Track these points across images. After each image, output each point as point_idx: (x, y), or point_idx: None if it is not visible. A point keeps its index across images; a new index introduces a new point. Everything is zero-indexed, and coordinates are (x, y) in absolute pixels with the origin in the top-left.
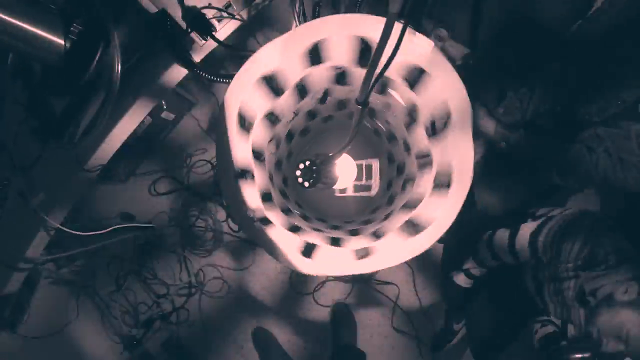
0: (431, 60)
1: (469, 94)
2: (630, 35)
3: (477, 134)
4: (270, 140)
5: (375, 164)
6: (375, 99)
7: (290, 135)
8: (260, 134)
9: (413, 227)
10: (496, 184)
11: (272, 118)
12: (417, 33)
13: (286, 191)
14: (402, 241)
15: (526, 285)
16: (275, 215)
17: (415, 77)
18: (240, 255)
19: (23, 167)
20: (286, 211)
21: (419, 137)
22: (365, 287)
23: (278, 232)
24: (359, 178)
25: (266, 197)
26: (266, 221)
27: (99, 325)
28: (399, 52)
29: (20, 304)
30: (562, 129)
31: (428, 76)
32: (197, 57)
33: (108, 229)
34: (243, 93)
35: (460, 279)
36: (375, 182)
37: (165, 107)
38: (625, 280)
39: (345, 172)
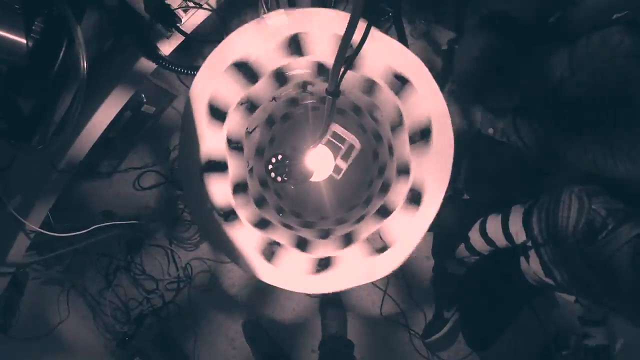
0: (415, 70)
1: (457, 80)
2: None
3: (465, 119)
4: (254, 128)
5: (335, 127)
6: (360, 97)
7: (270, 121)
8: (235, 121)
9: (379, 242)
10: (483, 171)
11: (248, 105)
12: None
13: (267, 180)
14: (364, 258)
15: (521, 271)
16: (243, 208)
17: (398, 86)
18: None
19: None
20: (260, 202)
21: (403, 143)
22: None
23: (241, 230)
24: (337, 150)
25: (240, 188)
26: (231, 216)
27: (91, 323)
28: (382, 56)
29: (10, 305)
30: (550, 111)
31: (411, 86)
32: (167, 50)
33: (88, 229)
34: (213, 81)
35: (453, 267)
36: (350, 137)
37: (144, 100)
38: (632, 238)
39: (321, 164)
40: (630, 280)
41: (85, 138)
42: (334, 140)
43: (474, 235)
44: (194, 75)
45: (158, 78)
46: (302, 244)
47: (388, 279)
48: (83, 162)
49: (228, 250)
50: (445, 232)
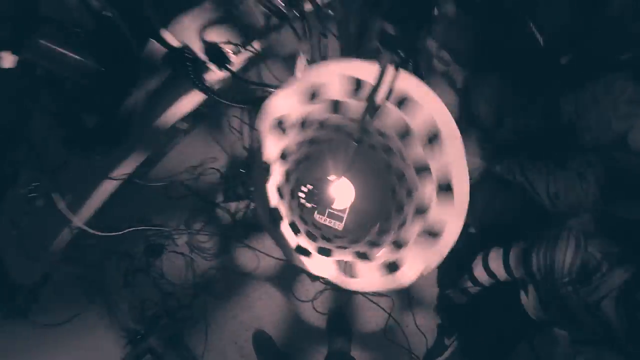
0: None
1: (468, 118)
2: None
3: (474, 157)
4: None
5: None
6: (395, 140)
7: (298, 162)
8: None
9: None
10: (491, 205)
11: (283, 155)
12: None
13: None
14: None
15: (521, 304)
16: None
17: (401, 102)
18: (245, 260)
19: (52, 170)
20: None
21: (415, 149)
22: (361, 297)
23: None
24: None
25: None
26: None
27: (106, 318)
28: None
29: (34, 292)
30: (555, 154)
31: (412, 100)
32: (215, 84)
33: (125, 231)
34: (286, 101)
35: (456, 296)
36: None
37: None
38: (623, 282)
39: (343, 194)
40: (618, 327)
41: (138, 153)
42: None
43: (477, 267)
44: (237, 106)
45: None
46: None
47: (394, 302)
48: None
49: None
50: (485, 234)
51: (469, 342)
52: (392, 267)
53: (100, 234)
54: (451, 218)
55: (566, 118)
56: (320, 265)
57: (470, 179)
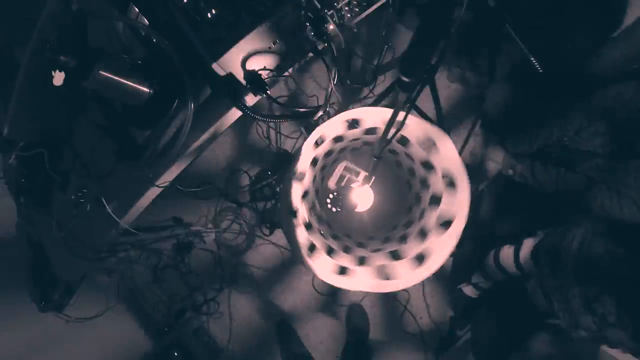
0: (437, 134)
1: (483, 124)
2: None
3: (487, 161)
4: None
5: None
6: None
7: (343, 149)
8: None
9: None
10: (503, 207)
11: (314, 162)
12: None
13: (319, 190)
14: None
15: (529, 296)
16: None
17: (426, 144)
18: (269, 257)
19: (99, 177)
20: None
21: (436, 180)
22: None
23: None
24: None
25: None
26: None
27: (135, 312)
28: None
29: (70, 288)
30: (566, 158)
31: (435, 147)
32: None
33: (165, 231)
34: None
35: (468, 290)
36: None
37: None
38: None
39: (364, 199)
40: (615, 322)
41: (180, 163)
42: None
43: (489, 262)
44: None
45: None
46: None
47: (409, 295)
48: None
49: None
50: (497, 234)
51: (480, 334)
52: (420, 258)
53: (143, 234)
54: (458, 208)
55: (577, 124)
56: (358, 279)
57: (485, 181)
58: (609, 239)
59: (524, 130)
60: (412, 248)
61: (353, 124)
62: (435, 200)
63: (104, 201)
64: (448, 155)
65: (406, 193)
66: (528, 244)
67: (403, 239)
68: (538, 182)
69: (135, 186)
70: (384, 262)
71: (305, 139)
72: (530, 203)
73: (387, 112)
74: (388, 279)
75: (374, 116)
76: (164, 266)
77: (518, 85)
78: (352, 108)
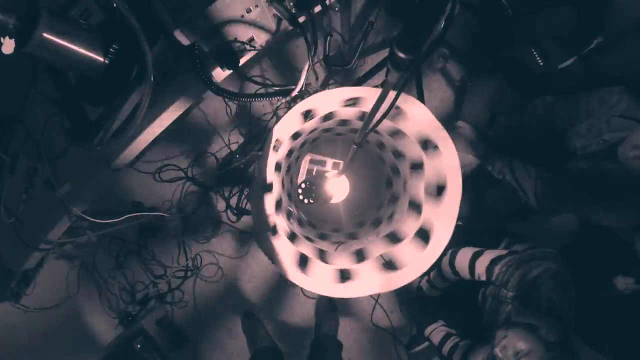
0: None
1: (462, 114)
2: (619, 82)
3: (465, 152)
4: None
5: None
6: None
7: (303, 144)
8: (284, 149)
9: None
10: (479, 202)
11: (295, 135)
12: None
13: (291, 192)
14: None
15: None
16: (279, 221)
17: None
18: (237, 244)
19: (50, 158)
20: (289, 215)
21: (411, 148)
22: None
23: (281, 242)
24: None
25: (277, 205)
26: (274, 230)
27: (97, 300)
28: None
29: (27, 277)
30: (546, 158)
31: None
32: (217, 79)
33: (122, 218)
34: (286, 124)
35: (427, 289)
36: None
37: None
38: (548, 324)
39: (339, 190)
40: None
41: (138, 144)
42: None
43: (444, 262)
44: (238, 100)
45: None
46: (322, 256)
47: None
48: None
49: (274, 258)
50: (470, 228)
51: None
52: (390, 265)
53: (98, 221)
54: (441, 222)
55: (560, 123)
56: (317, 279)
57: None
58: (560, 286)
59: (504, 128)
60: (410, 225)
61: (307, 114)
62: (417, 167)
63: (54, 185)
64: (421, 118)
65: (381, 168)
66: (488, 256)
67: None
68: (516, 180)
69: (88, 169)
70: (346, 262)
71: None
72: (507, 200)
73: (341, 93)
74: (393, 269)
75: (328, 101)
76: (126, 253)
77: (500, 84)
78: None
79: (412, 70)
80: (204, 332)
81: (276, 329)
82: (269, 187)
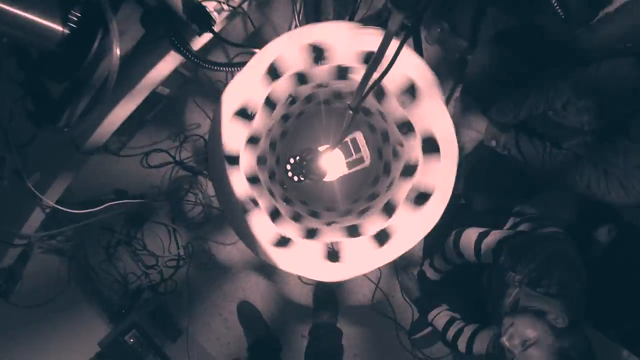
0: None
1: (464, 90)
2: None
3: (469, 129)
4: (271, 127)
5: (359, 136)
6: (340, 83)
7: (286, 117)
8: (260, 119)
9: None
10: (483, 181)
11: (269, 102)
12: None
13: (275, 172)
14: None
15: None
16: (260, 199)
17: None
18: (230, 230)
19: (19, 146)
20: (270, 193)
21: (412, 147)
22: None
23: (258, 220)
24: (348, 155)
25: (254, 180)
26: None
27: (89, 294)
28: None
29: (13, 274)
30: (552, 133)
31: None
32: (195, 46)
33: (101, 207)
34: (248, 86)
35: (429, 272)
36: (365, 152)
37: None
38: (558, 309)
39: (333, 166)
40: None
41: (108, 123)
42: (350, 145)
43: (448, 243)
44: (218, 70)
45: None
46: (311, 233)
47: (381, 272)
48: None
49: (248, 240)
50: (475, 209)
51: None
52: (382, 237)
53: (74, 211)
54: (440, 177)
55: (565, 98)
56: (302, 257)
57: (464, 150)
58: (570, 267)
59: (509, 98)
60: (374, 224)
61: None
62: (409, 170)
63: (23, 175)
64: (432, 113)
65: (375, 161)
66: (495, 236)
67: (365, 212)
68: (523, 155)
69: (57, 154)
70: (337, 237)
71: None
72: (511, 179)
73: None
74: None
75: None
76: (116, 243)
77: (503, 51)
78: None
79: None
80: (198, 322)
81: (273, 318)
82: (232, 160)
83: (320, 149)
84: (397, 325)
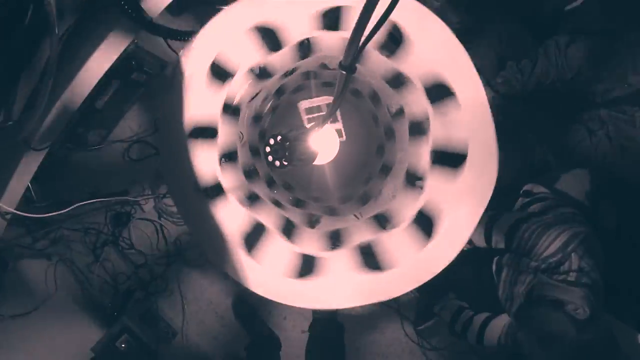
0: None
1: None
2: None
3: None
4: (256, 95)
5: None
6: (383, 88)
7: (280, 91)
8: (241, 86)
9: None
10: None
11: (260, 72)
12: None
13: (259, 149)
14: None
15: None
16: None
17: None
18: None
19: None
20: (249, 173)
21: (421, 154)
22: None
23: (224, 209)
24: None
25: (230, 157)
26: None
27: (79, 298)
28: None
29: None
30: (562, 106)
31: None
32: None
33: (68, 209)
34: (222, 40)
35: None
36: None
37: (135, 67)
38: (577, 298)
39: (326, 145)
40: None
41: (60, 112)
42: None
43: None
44: (184, 41)
45: (149, 44)
46: (288, 230)
47: None
48: (67, 136)
49: (201, 235)
50: None
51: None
52: (372, 263)
53: (34, 216)
54: (468, 124)
55: (576, 66)
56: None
57: None
58: (590, 253)
59: (515, 68)
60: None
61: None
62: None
63: None
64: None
65: (372, 157)
66: (505, 221)
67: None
68: (532, 129)
69: (6, 154)
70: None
71: None
72: (521, 154)
73: None
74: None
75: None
76: (103, 243)
77: (510, 26)
78: None
79: None
80: (193, 321)
81: (271, 313)
82: (198, 132)
83: (308, 125)
84: (402, 315)
